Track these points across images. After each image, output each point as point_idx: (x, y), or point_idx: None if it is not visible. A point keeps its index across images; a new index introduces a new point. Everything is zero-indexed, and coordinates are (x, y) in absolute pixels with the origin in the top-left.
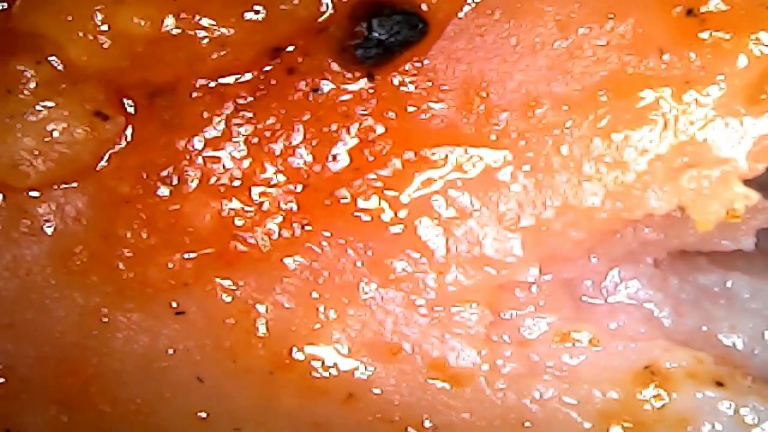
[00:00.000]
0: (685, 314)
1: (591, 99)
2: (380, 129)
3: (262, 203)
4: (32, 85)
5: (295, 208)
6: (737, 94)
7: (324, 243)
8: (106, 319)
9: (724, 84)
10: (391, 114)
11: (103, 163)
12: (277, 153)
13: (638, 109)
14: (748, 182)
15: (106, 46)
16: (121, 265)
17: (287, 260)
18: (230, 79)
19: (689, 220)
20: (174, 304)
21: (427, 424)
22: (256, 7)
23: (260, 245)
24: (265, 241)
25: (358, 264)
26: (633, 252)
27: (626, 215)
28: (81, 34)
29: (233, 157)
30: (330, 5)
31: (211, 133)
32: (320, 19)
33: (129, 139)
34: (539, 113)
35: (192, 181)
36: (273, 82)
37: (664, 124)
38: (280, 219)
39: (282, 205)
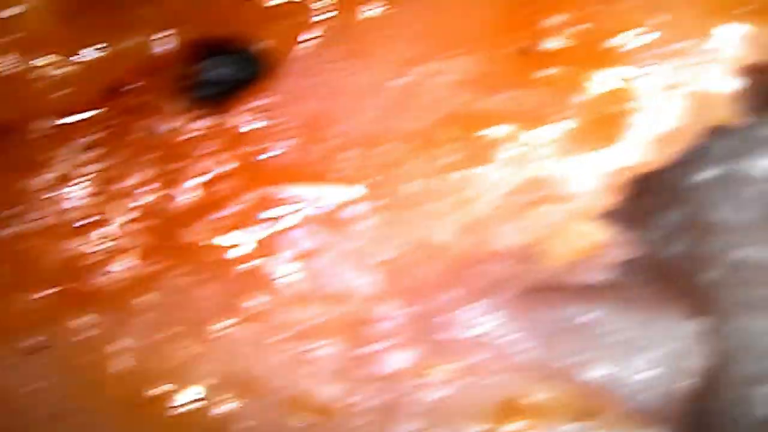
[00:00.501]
0: (546, 347)
1: (437, 135)
2: (224, 168)
3: (110, 242)
4: None
5: (143, 246)
6: (585, 130)
7: (175, 281)
8: None
9: (571, 120)
10: (234, 153)
11: None
12: (123, 192)
13: (485, 144)
14: (601, 216)
15: None
16: None
17: (139, 298)
18: (74, 118)
19: (545, 254)
20: (31, 342)
21: None
22: (98, 45)
23: (111, 283)
24: (116, 279)
25: (211, 302)
26: (490, 286)
27: (479, 250)
28: None
29: (79, 197)
30: (168, 44)
31: (56, 172)
32: (158, 58)
33: None
34: (385, 150)
35: (38, 221)
36: (114, 122)
37: (512, 160)
38: (129, 257)
39: (130, 243)
